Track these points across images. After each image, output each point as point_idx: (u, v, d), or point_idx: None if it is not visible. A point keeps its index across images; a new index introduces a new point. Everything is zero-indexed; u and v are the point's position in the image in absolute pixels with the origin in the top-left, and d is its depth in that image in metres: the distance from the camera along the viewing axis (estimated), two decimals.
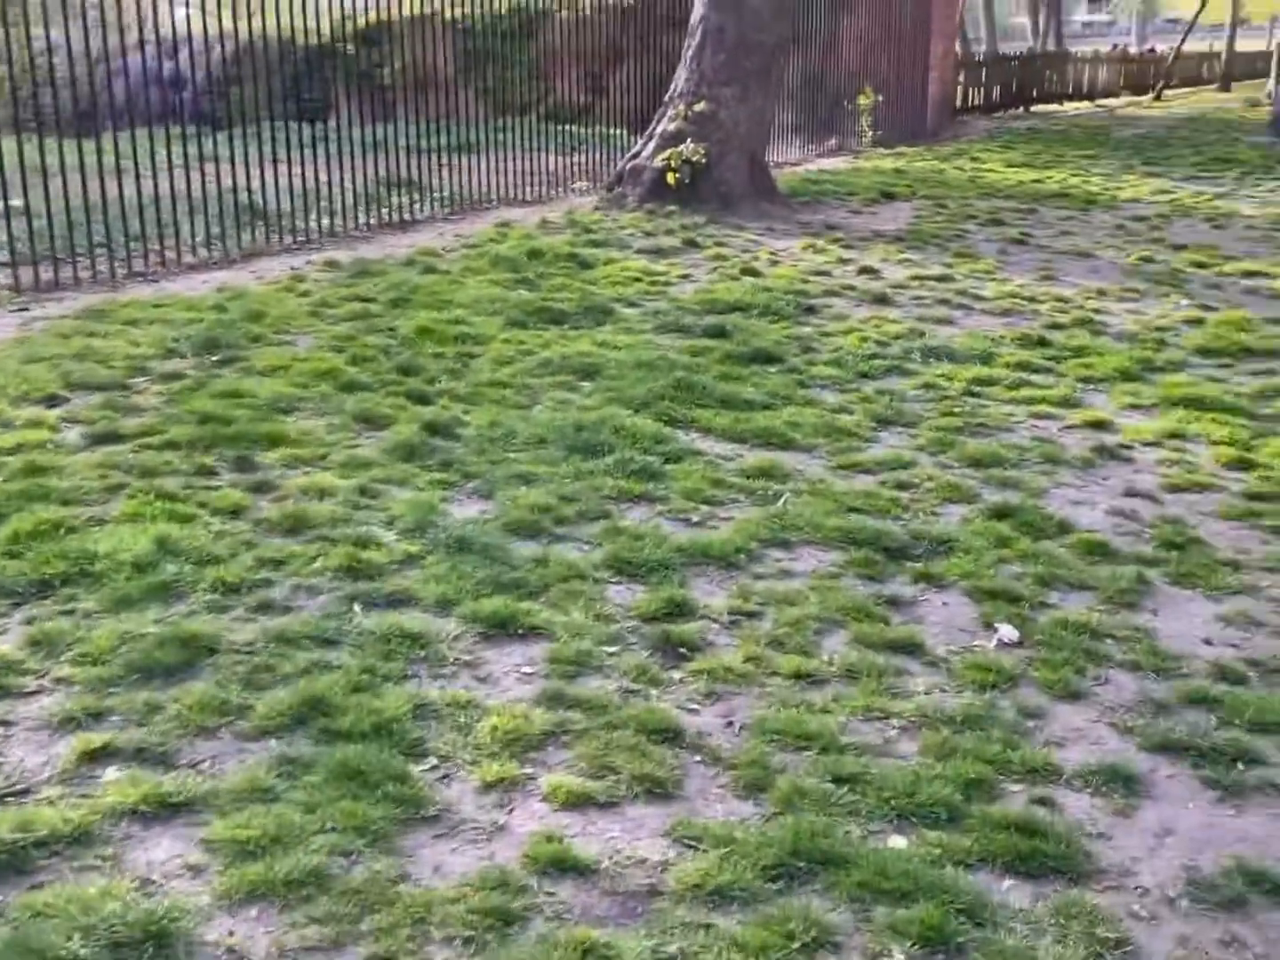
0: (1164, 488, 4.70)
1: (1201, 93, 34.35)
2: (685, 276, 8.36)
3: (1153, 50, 43.28)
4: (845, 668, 3.31)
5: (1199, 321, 7.16)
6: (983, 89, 23.03)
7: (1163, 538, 4.22)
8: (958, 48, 42.53)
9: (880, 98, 18.35)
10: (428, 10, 12.14)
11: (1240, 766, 2.91)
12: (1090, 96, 28.74)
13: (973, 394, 5.85)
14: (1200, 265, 8.79)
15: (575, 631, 3.45)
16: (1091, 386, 5.97)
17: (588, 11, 13.45)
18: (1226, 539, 4.25)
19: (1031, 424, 5.45)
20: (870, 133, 18.21)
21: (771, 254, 9.09)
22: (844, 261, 8.79)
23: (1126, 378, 6.07)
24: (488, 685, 3.20)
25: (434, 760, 2.86)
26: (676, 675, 3.28)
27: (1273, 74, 26.13)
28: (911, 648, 3.44)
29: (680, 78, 11.03)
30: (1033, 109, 25.07)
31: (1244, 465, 4.92)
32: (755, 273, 8.39)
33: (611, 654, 3.36)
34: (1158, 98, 29.99)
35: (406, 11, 11.46)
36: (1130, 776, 2.86)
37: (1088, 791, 2.81)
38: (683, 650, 3.40)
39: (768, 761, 2.87)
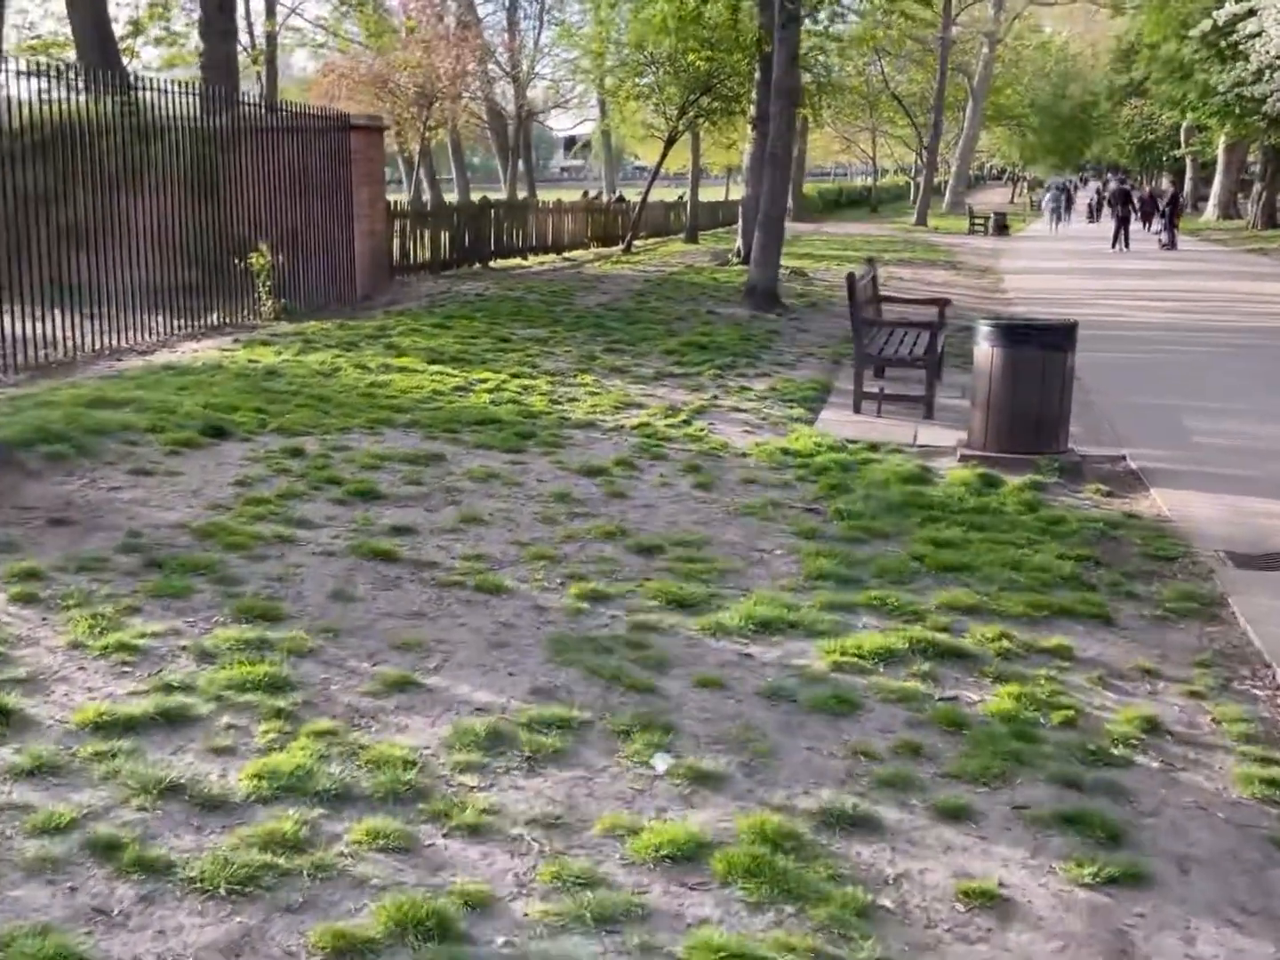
0: None
1: (669, 243, 33.48)
2: None
3: (621, 199, 43.02)
4: None
5: (706, 853, 3.16)
6: (430, 242, 19.50)
7: None
8: (425, 192, 39.83)
9: (281, 257, 14.10)
10: None
11: None
12: (557, 249, 26.36)
13: None
14: (682, 604, 4.98)
15: None
16: None
17: None
18: None
19: None
20: (271, 302, 13.86)
21: None
22: None
23: None
24: None
25: None
26: None
27: (739, 229, 24.88)
28: None
29: None
30: (491, 264, 21.96)
31: None
32: None
33: None
34: (627, 250, 28.27)
35: None
36: None
37: None
38: None
39: None
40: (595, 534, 5.88)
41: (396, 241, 18.40)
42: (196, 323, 12.94)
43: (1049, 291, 20.39)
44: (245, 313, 13.71)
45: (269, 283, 13.83)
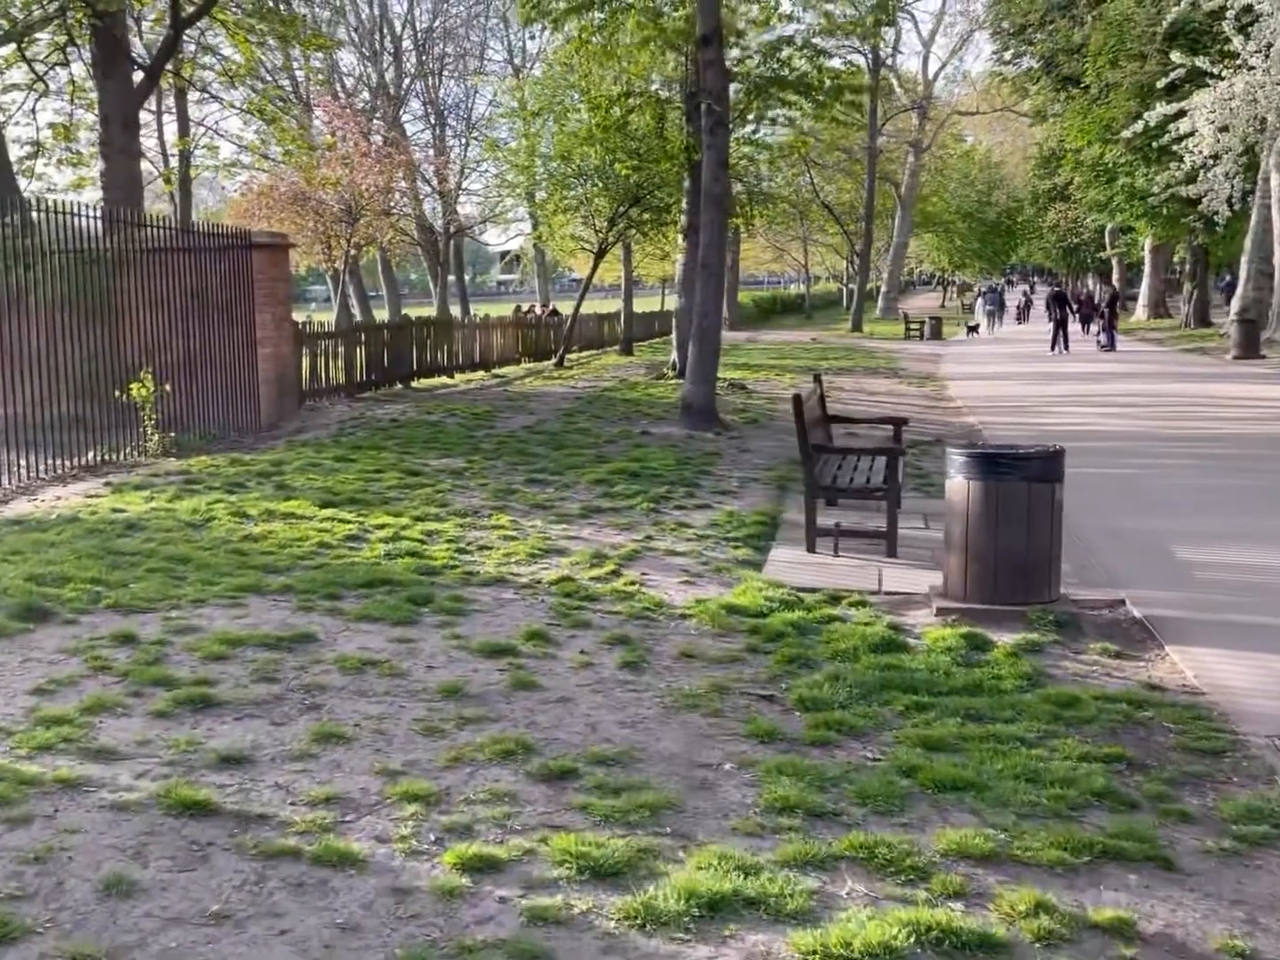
0: None
1: (604, 356, 32.70)
2: None
3: (555, 312, 42.32)
4: None
5: None
6: (344, 364, 18.28)
7: None
8: (355, 309, 38.69)
9: (169, 386, 12.81)
10: None
11: None
12: (486, 366, 25.32)
13: None
14: (599, 871, 3.60)
15: None
16: None
17: None
18: None
19: None
20: (158, 437, 12.52)
21: None
22: None
23: None
24: None
25: None
26: None
27: (674, 340, 23.97)
28: None
29: None
30: (414, 384, 20.78)
31: None
32: None
33: None
34: (559, 364, 27.31)
35: None
36: None
37: None
38: None
39: None
40: (490, 752, 4.53)
41: (307, 364, 17.18)
42: (71, 462, 11.54)
43: (997, 399, 19.57)
44: (129, 449, 12.35)
45: (155, 415, 12.51)
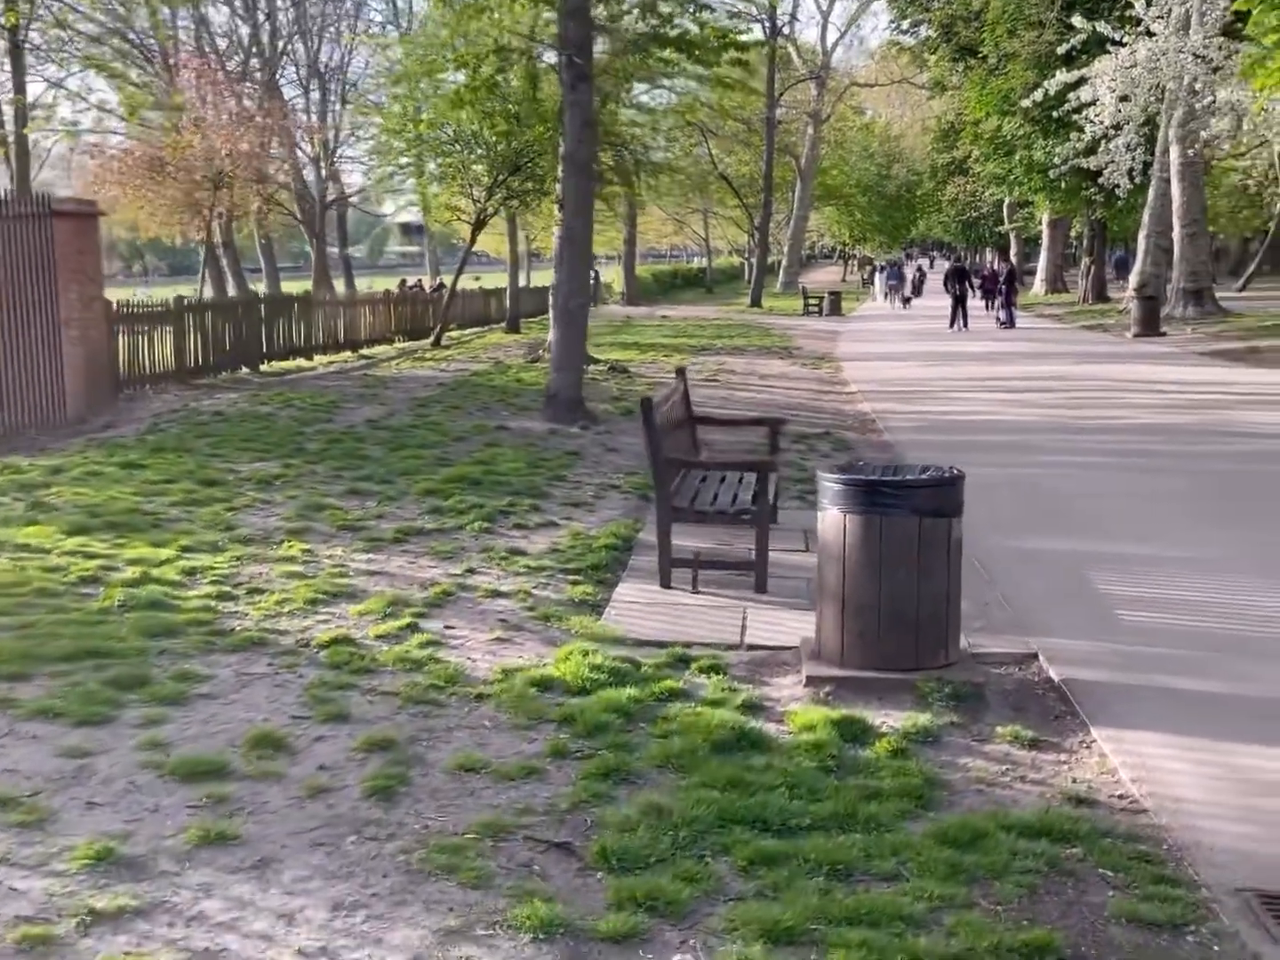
0: None
1: (490, 333, 30.96)
2: None
3: (441, 286, 40.36)
4: None
5: None
6: (174, 347, 16.33)
7: None
8: (209, 287, 36.22)
9: None
10: None
11: None
12: (354, 346, 23.47)
13: None
14: None
15: None
16: None
17: None
18: None
19: None
20: None
21: None
22: None
23: None
24: None
25: None
26: None
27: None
28: None
29: None
30: (264, 368, 18.88)
31: None
32: None
33: None
34: (436, 343, 25.53)
35: None
36: None
37: None
38: None
39: None
40: None
41: (129, 347, 15.25)
42: None
43: (894, 382, 18.32)
44: None
45: None
